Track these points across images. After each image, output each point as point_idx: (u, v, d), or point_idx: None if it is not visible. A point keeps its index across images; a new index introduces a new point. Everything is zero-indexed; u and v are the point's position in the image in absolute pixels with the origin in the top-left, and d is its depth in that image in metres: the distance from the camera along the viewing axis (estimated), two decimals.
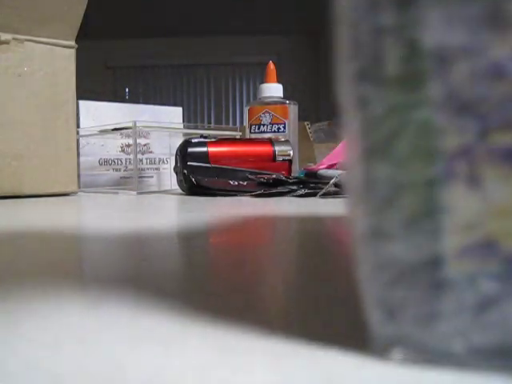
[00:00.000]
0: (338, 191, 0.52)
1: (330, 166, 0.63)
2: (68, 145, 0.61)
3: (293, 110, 0.77)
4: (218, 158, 0.60)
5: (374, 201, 0.09)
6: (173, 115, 0.83)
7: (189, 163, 0.58)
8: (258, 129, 0.76)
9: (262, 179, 0.58)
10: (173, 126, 0.76)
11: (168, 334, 0.11)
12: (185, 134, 0.73)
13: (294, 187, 0.55)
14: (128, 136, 0.74)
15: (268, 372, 0.09)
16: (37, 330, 0.11)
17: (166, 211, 0.43)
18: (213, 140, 0.61)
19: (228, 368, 0.09)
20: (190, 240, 0.25)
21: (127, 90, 4.34)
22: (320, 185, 0.55)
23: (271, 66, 0.78)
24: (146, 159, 0.76)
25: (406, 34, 0.09)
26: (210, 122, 4.34)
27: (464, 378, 0.09)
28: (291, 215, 0.36)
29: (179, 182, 0.61)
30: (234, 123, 4.28)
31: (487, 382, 0.09)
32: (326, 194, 0.52)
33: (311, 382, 0.09)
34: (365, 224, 0.10)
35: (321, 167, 0.64)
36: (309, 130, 0.95)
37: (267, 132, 0.76)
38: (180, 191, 0.63)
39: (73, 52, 0.61)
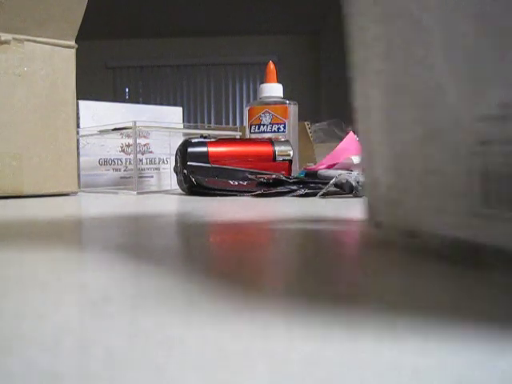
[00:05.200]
0: (337, 191, 0.52)
1: (330, 166, 0.63)
2: (68, 145, 0.61)
3: (293, 109, 0.77)
4: (218, 157, 0.60)
5: None
6: (173, 115, 0.83)
7: (189, 163, 0.58)
8: (258, 129, 0.76)
9: (262, 179, 0.58)
10: (173, 125, 0.76)
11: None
12: (185, 134, 0.73)
13: (294, 187, 0.55)
14: (128, 136, 0.74)
15: None
16: (36, 328, 0.11)
17: (166, 211, 0.43)
18: (213, 140, 0.61)
19: None
20: (190, 239, 0.25)
21: (127, 89, 4.34)
22: (320, 185, 0.55)
23: (271, 65, 0.78)
24: (146, 159, 0.76)
25: None
26: (210, 122, 4.34)
27: None
28: (291, 215, 0.36)
29: (179, 182, 0.61)
30: (234, 123, 4.28)
31: None
32: (326, 194, 0.52)
33: None
34: None
35: (321, 167, 0.64)
36: (309, 130, 0.95)
37: (267, 132, 0.76)
38: (180, 191, 0.63)
39: (73, 52, 0.61)
